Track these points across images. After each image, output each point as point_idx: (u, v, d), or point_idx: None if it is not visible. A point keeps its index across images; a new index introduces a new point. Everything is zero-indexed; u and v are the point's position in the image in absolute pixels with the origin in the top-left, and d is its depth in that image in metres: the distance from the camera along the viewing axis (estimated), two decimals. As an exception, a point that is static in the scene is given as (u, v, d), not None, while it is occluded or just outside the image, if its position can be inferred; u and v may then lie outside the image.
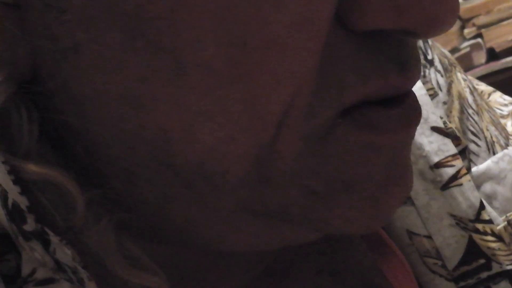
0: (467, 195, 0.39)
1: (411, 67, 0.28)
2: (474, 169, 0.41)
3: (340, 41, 0.26)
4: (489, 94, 0.49)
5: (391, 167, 0.29)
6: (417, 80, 0.29)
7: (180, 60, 0.25)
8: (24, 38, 0.26)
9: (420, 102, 0.40)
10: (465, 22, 1.73)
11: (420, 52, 0.42)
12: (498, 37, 1.69)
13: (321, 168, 0.27)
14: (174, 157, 0.27)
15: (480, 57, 1.71)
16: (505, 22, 1.69)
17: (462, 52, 1.70)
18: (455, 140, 0.40)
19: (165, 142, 0.26)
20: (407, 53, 0.28)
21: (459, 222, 0.38)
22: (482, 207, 0.39)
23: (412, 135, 0.31)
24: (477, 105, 0.45)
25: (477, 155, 0.42)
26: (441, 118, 0.40)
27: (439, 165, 0.39)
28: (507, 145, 0.44)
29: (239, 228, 0.29)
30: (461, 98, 0.43)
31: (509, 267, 0.38)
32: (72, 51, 0.26)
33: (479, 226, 0.38)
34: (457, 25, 1.73)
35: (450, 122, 0.41)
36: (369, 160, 0.28)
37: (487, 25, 1.70)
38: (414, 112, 0.29)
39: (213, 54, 0.25)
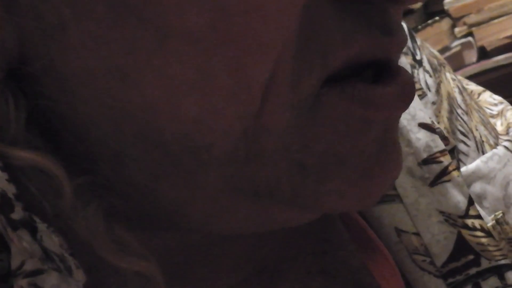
0: (455, 191, 0.39)
1: (396, 31, 0.28)
2: (463, 169, 0.41)
3: (322, 6, 0.26)
4: (479, 94, 0.49)
5: (383, 142, 0.29)
6: (404, 46, 0.29)
7: (162, 29, 0.25)
8: (11, 20, 0.26)
9: None
10: (456, 21, 1.73)
11: (409, 52, 0.42)
12: (489, 36, 1.69)
13: (310, 141, 0.27)
14: (161, 132, 0.27)
15: (471, 55, 1.71)
16: (496, 21, 1.69)
17: (453, 51, 1.70)
18: (444, 140, 0.40)
19: (151, 116, 0.27)
20: (390, 20, 0.28)
21: (448, 218, 0.38)
22: (471, 202, 0.39)
23: (405, 110, 0.30)
24: (467, 105, 0.45)
25: (466, 154, 0.42)
26: (430, 118, 0.40)
27: (427, 161, 0.39)
28: (496, 144, 0.44)
29: (227, 208, 0.29)
30: (450, 98, 0.43)
31: (498, 263, 0.38)
32: (58, 28, 0.26)
33: (468, 222, 0.38)
34: (448, 24, 1.73)
35: (439, 122, 0.41)
36: (361, 133, 0.28)
37: (478, 24, 1.70)
38: (409, 88, 0.29)
39: (195, 21, 0.25)
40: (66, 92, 0.27)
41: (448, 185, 0.39)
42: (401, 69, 0.29)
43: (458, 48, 1.71)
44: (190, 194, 0.29)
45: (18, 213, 0.27)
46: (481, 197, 0.41)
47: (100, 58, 0.26)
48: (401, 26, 0.29)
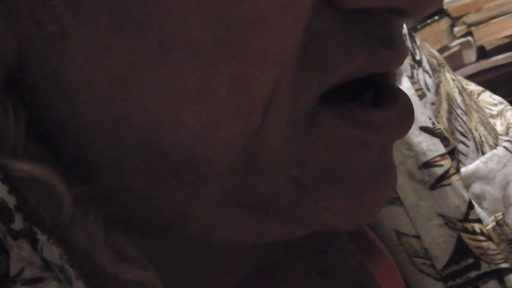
0: (455, 194, 0.39)
1: (398, 45, 0.28)
2: (463, 169, 0.41)
3: (325, 20, 0.26)
4: (479, 94, 0.50)
5: (378, 163, 0.29)
6: (404, 59, 0.29)
7: (165, 41, 0.25)
8: (10, 28, 0.26)
9: None
10: (455, 21, 1.73)
11: (408, 52, 0.42)
12: (488, 35, 1.69)
13: (307, 159, 0.27)
14: (162, 144, 0.27)
15: (470, 55, 1.71)
16: (495, 20, 1.69)
17: (452, 50, 1.70)
18: (444, 141, 0.40)
19: (152, 127, 0.26)
20: (393, 32, 0.28)
21: (448, 222, 0.38)
22: (471, 206, 0.39)
23: (405, 135, 0.31)
24: (466, 105, 0.45)
25: (465, 155, 0.42)
26: (430, 119, 0.40)
27: (427, 165, 0.39)
28: (496, 144, 0.45)
29: (225, 220, 0.29)
30: (450, 98, 0.43)
31: (497, 266, 0.39)
32: (59, 36, 0.26)
33: (468, 226, 0.38)
34: (447, 23, 1.73)
35: (438, 122, 0.41)
36: (357, 154, 0.28)
37: (477, 23, 1.71)
38: (408, 112, 0.29)
39: (198, 35, 0.24)
40: (66, 101, 0.27)
41: (448, 188, 0.39)
42: (400, 92, 0.29)
43: (457, 48, 1.71)
44: (189, 204, 0.29)
45: (18, 224, 0.27)
46: (481, 197, 0.41)
47: (101, 68, 0.26)
48: (403, 37, 0.29)
